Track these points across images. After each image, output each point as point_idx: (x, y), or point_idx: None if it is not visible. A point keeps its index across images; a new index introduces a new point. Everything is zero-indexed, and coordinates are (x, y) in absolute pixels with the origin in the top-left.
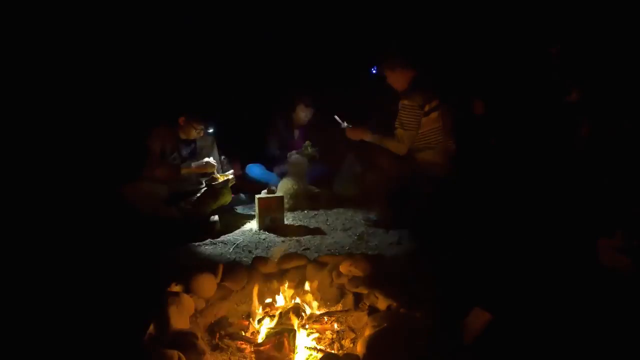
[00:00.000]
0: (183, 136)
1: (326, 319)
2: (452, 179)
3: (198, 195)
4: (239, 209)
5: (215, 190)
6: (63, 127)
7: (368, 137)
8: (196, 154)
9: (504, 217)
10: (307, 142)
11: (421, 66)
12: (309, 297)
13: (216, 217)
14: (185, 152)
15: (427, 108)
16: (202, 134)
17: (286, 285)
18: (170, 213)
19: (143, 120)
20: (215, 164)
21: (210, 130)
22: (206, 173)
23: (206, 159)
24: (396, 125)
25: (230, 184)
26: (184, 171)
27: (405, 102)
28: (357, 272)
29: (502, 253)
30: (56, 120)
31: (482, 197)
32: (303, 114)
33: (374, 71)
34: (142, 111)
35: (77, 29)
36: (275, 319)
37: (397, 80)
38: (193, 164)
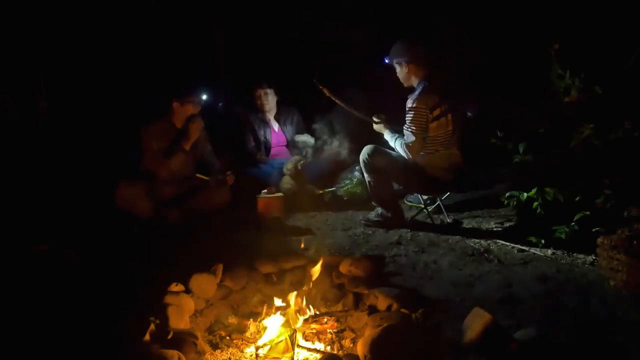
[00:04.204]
0: (178, 123)
1: (326, 319)
2: (454, 183)
3: (195, 195)
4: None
5: (209, 190)
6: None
7: (386, 133)
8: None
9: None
10: None
11: (432, 65)
12: (309, 297)
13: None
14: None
15: (436, 112)
16: (199, 108)
17: (286, 285)
18: (170, 214)
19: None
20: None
21: (204, 97)
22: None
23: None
24: (404, 128)
25: (229, 183)
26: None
27: (413, 103)
28: (357, 272)
29: (501, 253)
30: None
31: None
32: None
33: (386, 61)
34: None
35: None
36: (276, 319)
37: (404, 75)
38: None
